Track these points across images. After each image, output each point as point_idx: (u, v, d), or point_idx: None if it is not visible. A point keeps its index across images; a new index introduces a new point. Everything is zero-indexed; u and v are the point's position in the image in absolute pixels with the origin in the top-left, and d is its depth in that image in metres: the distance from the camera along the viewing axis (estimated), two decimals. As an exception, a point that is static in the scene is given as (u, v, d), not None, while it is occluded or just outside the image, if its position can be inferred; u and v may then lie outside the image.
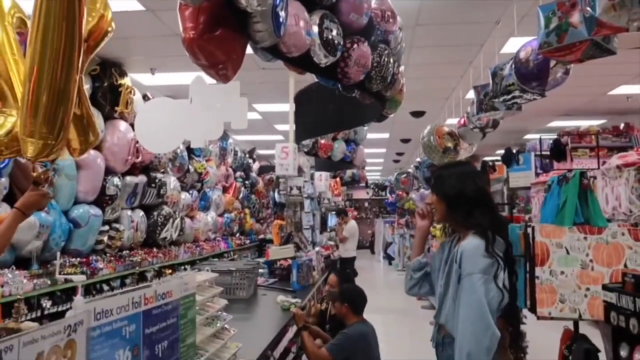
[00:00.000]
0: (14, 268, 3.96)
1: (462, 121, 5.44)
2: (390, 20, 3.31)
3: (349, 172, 10.81)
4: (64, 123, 1.76)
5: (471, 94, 4.82)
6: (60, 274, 4.28)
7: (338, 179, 10.10)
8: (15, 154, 1.93)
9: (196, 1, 1.98)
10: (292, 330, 3.14)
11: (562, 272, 2.09)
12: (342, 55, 2.88)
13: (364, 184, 18.02)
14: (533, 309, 2.17)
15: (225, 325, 1.96)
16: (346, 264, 7.58)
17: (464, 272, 1.71)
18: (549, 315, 2.12)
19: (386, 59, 3.23)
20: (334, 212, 9.59)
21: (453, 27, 4.53)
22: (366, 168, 15.92)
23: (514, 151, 9.48)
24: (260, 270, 4.31)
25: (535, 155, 8.57)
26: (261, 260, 4.82)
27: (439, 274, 1.88)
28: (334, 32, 2.75)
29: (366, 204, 22.47)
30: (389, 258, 15.05)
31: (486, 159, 10.81)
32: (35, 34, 1.73)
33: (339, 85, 3.31)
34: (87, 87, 4.84)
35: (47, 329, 0.77)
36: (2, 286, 3.67)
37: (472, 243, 1.74)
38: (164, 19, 4.15)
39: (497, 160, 9.65)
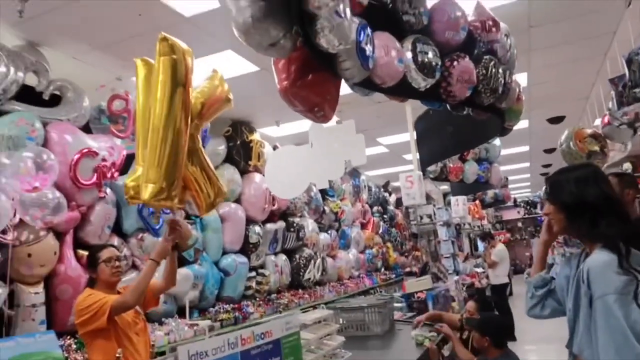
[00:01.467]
0: (177, 317, 4.44)
1: (605, 119, 4.84)
2: (493, 29, 3.13)
3: (490, 193, 10.17)
4: (176, 174, 2.07)
5: (612, 89, 4.29)
6: (215, 320, 4.68)
7: (477, 201, 9.56)
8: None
9: (283, 53, 2.11)
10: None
11: None
12: (442, 75, 2.80)
13: (512, 203, 16.81)
14: None
15: (346, 363, 1.96)
16: (498, 292, 7.03)
17: (596, 293, 1.46)
18: None
19: (493, 70, 3.05)
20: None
21: (573, 20, 4.12)
22: (512, 185, 14.86)
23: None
24: (398, 305, 4.22)
25: None
26: (398, 294, 4.72)
27: (567, 294, 1.64)
28: (430, 54, 2.69)
29: (519, 224, 20.80)
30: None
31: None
32: (155, 109, 2.09)
33: (447, 105, 3.21)
34: (222, 147, 5.39)
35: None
36: (168, 334, 4.12)
37: (600, 258, 1.49)
38: (277, 74, 4.48)
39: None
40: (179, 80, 2.08)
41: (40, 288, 3.31)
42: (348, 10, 2.05)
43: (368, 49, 2.28)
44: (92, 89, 3.86)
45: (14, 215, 3.00)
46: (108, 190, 3.84)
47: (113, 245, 3.04)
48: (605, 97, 5.89)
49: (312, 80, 2.31)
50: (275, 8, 1.87)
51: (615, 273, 1.44)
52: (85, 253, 3.61)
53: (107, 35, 3.63)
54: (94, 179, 3.64)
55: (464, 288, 5.03)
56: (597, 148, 4.91)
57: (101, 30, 3.55)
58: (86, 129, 3.85)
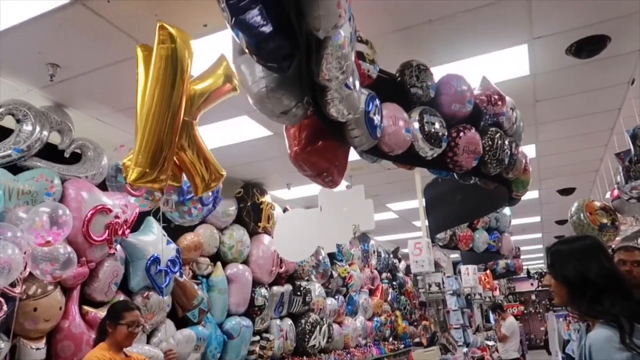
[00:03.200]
0: (177, 380, 4.31)
1: (615, 193, 4.86)
2: (499, 102, 3.26)
3: (502, 263, 10.02)
4: (165, 158, 2.23)
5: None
6: (215, 385, 4.54)
7: (489, 271, 9.39)
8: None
9: (294, 121, 2.22)
10: None
11: None
12: (448, 145, 2.89)
13: (525, 275, 16.44)
14: None
15: None
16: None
17: None
18: None
19: (499, 141, 3.14)
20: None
21: (578, 96, 4.25)
22: (525, 256, 14.62)
23: None
24: (404, 376, 4.08)
25: None
26: (405, 365, 4.58)
27: (574, 371, 1.59)
28: (437, 125, 2.80)
29: (533, 297, 20.21)
30: (569, 359, 12.98)
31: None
32: (148, 97, 2.34)
33: (455, 174, 3.27)
34: (232, 208, 5.45)
35: None
36: (167, 398, 3.99)
37: (601, 334, 1.46)
38: (290, 139, 4.62)
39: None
40: (175, 70, 2.24)
41: (42, 344, 3.27)
42: (357, 83, 2.17)
43: (376, 118, 2.39)
44: (111, 148, 4.01)
45: (25, 268, 3.04)
46: (118, 247, 3.88)
47: (139, 309, 3.02)
48: (614, 170, 5.94)
49: (322, 147, 2.41)
50: (288, 80, 1.99)
51: (617, 349, 1.41)
52: (90, 309, 3.61)
53: (130, 99, 3.81)
54: (105, 235, 3.69)
55: (474, 362, 4.87)
56: (607, 221, 4.89)
57: (124, 94, 3.74)
58: (102, 186, 3.96)
